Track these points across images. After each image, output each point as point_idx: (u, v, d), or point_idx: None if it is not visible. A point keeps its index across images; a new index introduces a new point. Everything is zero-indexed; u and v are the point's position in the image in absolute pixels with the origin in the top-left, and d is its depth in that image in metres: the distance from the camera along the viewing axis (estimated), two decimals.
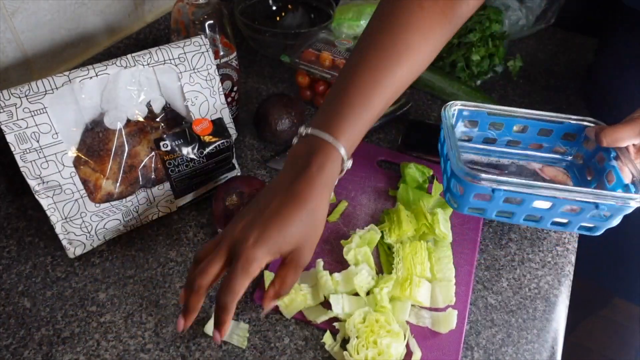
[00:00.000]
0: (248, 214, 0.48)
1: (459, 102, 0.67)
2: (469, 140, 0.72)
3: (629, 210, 0.56)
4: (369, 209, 0.71)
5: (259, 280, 0.62)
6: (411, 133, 0.83)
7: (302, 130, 0.51)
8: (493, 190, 0.55)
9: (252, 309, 0.59)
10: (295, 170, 0.49)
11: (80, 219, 0.60)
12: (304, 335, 0.57)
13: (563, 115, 0.67)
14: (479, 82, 0.97)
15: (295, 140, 0.52)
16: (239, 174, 0.74)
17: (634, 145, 0.60)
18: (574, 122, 0.67)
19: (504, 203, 0.57)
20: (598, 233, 0.60)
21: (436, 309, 0.59)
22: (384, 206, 0.72)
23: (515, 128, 0.69)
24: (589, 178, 0.66)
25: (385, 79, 0.53)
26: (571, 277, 0.66)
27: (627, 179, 0.59)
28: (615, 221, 0.58)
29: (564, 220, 0.59)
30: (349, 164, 0.52)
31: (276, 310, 0.57)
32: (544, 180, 0.68)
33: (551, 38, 1.13)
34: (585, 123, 0.66)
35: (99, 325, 0.57)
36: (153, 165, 0.64)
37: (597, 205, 0.55)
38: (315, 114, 0.54)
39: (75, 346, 0.55)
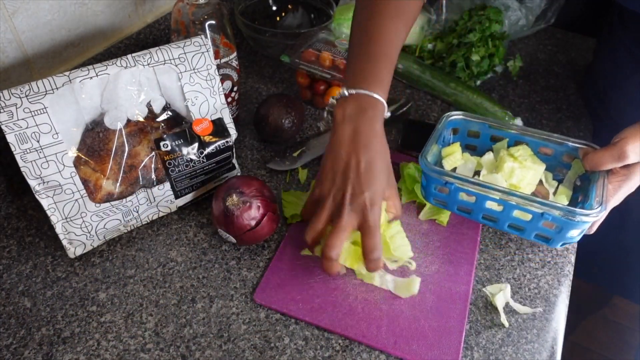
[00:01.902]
0: (340, 179, 0.57)
1: (461, 113, 0.70)
2: (474, 149, 0.72)
3: (583, 226, 0.57)
4: None
5: (258, 281, 0.62)
6: (411, 133, 0.83)
7: (345, 91, 0.61)
8: (445, 183, 0.61)
9: (252, 309, 0.59)
10: (356, 125, 0.59)
11: (80, 219, 0.60)
12: (304, 335, 0.57)
13: (563, 137, 0.66)
14: (479, 82, 0.97)
15: (333, 101, 0.62)
16: (239, 174, 0.74)
17: (619, 168, 0.60)
18: (572, 144, 0.65)
19: (462, 200, 0.63)
20: (555, 245, 0.61)
21: (401, 274, 0.62)
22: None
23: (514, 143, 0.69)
24: (579, 199, 0.64)
25: (395, 35, 0.64)
26: (571, 277, 0.66)
27: (595, 201, 0.59)
28: (570, 235, 0.59)
29: (520, 227, 0.61)
30: (387, 114, 0.62)
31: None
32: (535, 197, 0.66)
33: (551, 38, 1.13)
34: (582, 146, 0.65)
35: (99, 325, 0.57)
36: (153, 165, 0.64)
37: (542, 214, 0.57)
38: (346, 74, 0.64)
39: (75, 346, 0.55)
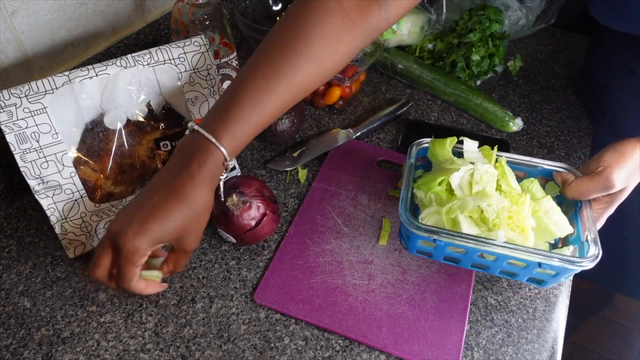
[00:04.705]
0: (130, 208, 0.51)
1: (430, 140, 0.64)
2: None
3: (578, 270, 0.54)
4: (369, 209, 0.71)
5: (258, 281, 0.62)
6: (411, 133, 0.83)
7: (191, 125, 0.53)
8: (434, 240, 0.55)
9: (252, 309, 0.59)
10: (178, 166, 0.52)
11: (80, 219, 0.60)
12: (304, 335, 0.57)
13: (537, 160, 0.62)
14: (479, 82, 0.96)
15: (186, 132, 0.54)
16: (239, 174, 0.74)
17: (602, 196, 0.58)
18: (547, 167, 0.62)
19: (449, 251, 0.57)
20: (548, 286, 0.59)
21: None
22: (384, 206, 0.72)
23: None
24: None
25: (279, 85, 0.53)
26: (571, 277, 0.66)
27: (584, 235, 0.57)
28: (565, 278, 0.56)
29: (513, 272, 0.57)
30: (232, 163, 0.53)
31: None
32: None
33: (551, 38, 1.13)
34: (558, 168, 0.61)
35: (99, 325, 0.57)
36: (153, 165, 0.64)
37: (540, 264, 0.54)
38: (208, 111, 0.55)
39: (75, 346, 0.55)
